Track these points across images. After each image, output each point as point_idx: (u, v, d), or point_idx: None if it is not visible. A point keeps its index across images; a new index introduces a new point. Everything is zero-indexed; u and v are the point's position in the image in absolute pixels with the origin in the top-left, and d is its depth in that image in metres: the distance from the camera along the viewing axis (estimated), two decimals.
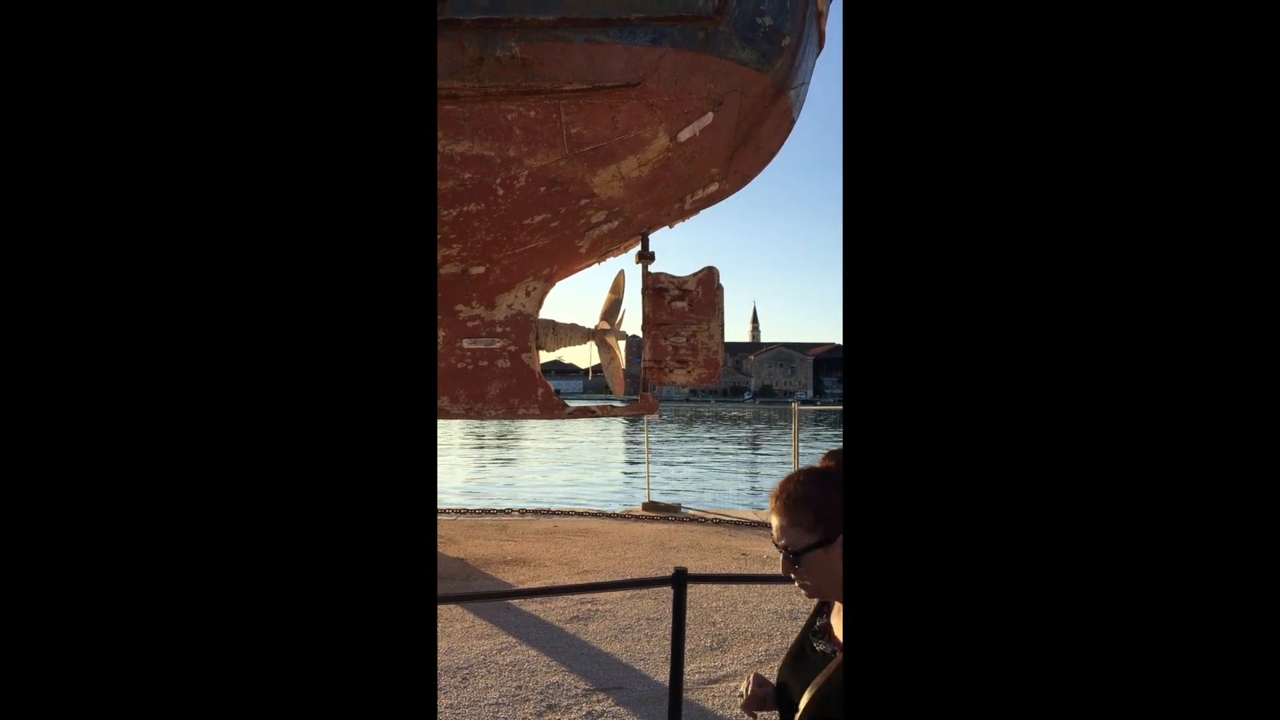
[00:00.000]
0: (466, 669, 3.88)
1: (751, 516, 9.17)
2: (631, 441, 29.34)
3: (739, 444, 28.73)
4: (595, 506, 10.09)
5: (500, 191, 4.89)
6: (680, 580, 2.79)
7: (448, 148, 4.60)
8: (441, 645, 4.25)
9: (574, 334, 6.23)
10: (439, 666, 3.88)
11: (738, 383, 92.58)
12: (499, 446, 26.47)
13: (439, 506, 9.50)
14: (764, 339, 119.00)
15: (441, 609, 4.99)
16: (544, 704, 3.45)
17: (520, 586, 5.56)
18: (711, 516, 8.99)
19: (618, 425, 36.03)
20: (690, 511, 9.34)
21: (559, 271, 5.99)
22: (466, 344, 5.73)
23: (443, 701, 3.47)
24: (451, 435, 30.27)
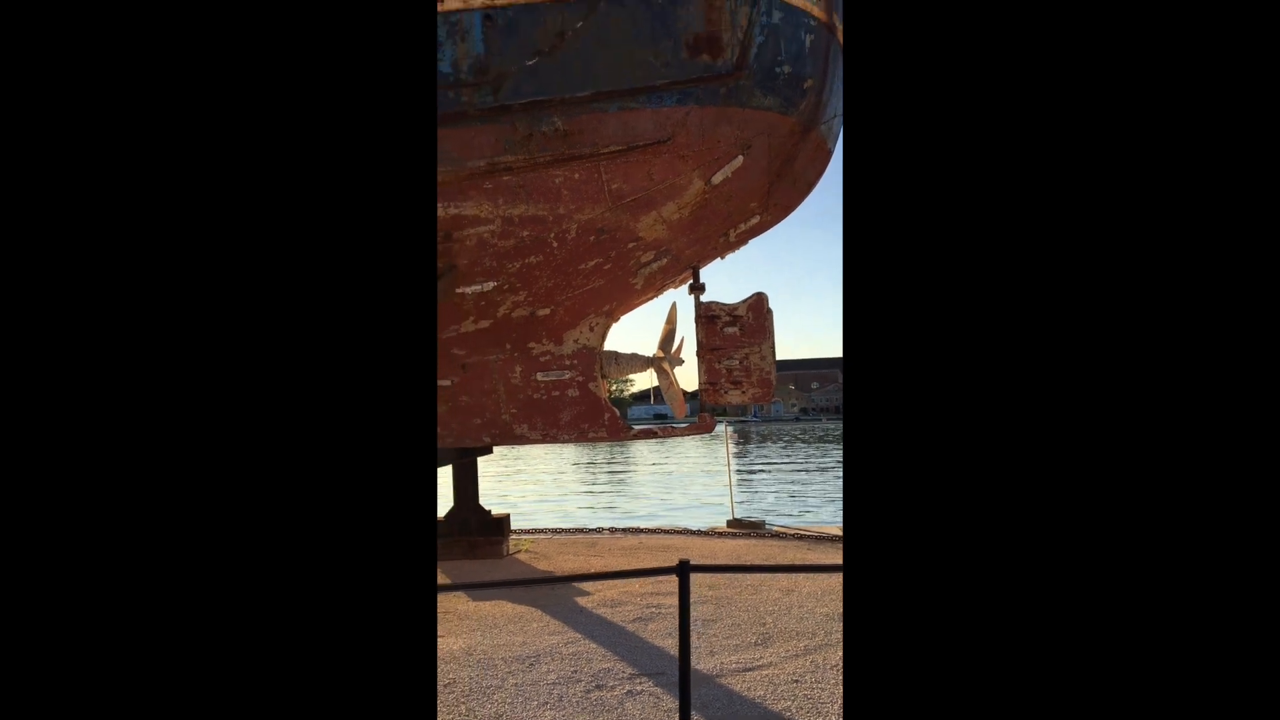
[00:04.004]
0: (534, 657, 4.51)
1: (833, 531, 9.33)
2: (740, 459, 29.41)
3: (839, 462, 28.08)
4: (687, 524, 10.56)
5: (555, 244, 5.62)
6: (684, 570, 3.29)
7: (507, 211, 5.38)
8: (517, 639, 4.91)
9: (635, 363, 6.85)
10: (514, 656, 4.53)
11: None
12: (610, 470, 27.37)
13: (539, 528, 10.31)
14: None
15: (521, 609, 5.68)
16: (593, 684, 4.01)
17: (590, 593, 6.17)
18: (793, 532, 9.24)
19: (720, 446, 36.05)
20: (774, 528, 9.63)
21: (619, 308, 6.65)
22: (540, 377, 6.47)
23: (509, 682, 4.11)
24: (564, 460, 31.57)
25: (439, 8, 4.92)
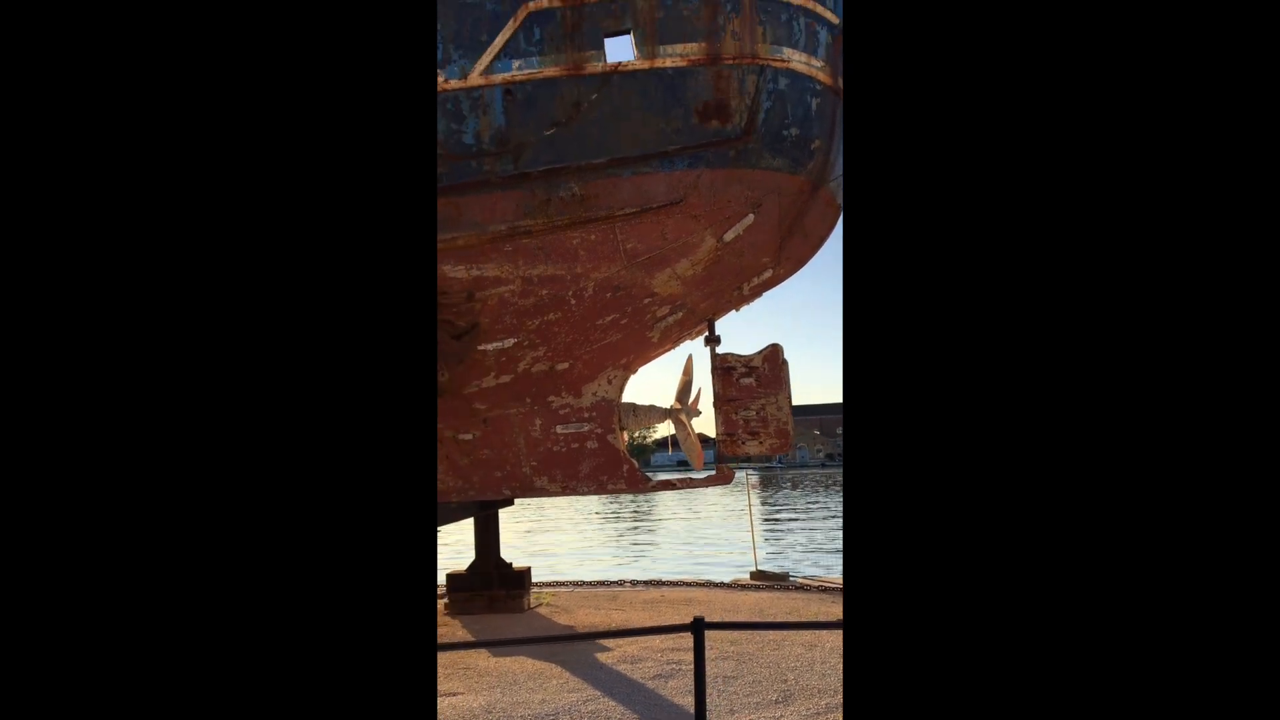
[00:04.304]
0: (553, 716, 4.51)
1: None
2: (767, 506, 29.05)
3: None
4: (710, 575, 10.46)
5: (573, 301, 5.80)
6: (699, 628, 3.32)
7: (527, 271, 5.59)
8: (536, 696, 4.91)
9: (653, 414, 6.94)
10: (534, 714, 4.52)
11: None
12: (634, 519, 27.15)
13: (560, 580, 10.28)
14: None
15: (541, 665, 5.67)
16: None
17: (610, 649, 6.15)
18: (816, 584, 9.11)
19: (744, 495, 35.60)
20: (798, 580, 9.50)
21: (636, 360, 6.78)
22: (559, 429, 6.58)
23: None
24: (589, 510, 31.39)
25: (463, 84, 5.22)
